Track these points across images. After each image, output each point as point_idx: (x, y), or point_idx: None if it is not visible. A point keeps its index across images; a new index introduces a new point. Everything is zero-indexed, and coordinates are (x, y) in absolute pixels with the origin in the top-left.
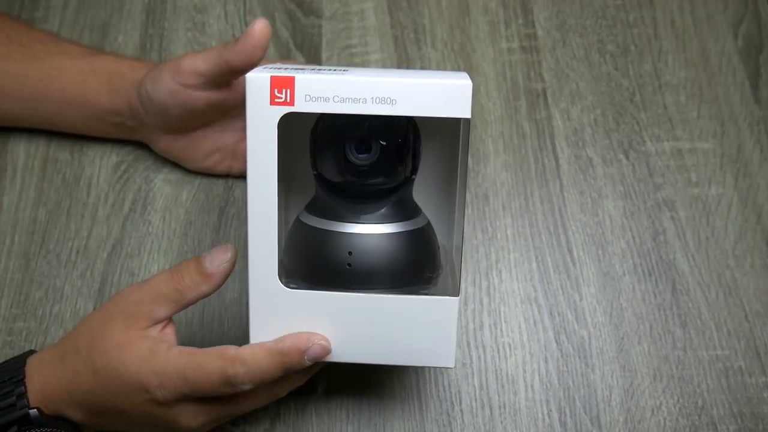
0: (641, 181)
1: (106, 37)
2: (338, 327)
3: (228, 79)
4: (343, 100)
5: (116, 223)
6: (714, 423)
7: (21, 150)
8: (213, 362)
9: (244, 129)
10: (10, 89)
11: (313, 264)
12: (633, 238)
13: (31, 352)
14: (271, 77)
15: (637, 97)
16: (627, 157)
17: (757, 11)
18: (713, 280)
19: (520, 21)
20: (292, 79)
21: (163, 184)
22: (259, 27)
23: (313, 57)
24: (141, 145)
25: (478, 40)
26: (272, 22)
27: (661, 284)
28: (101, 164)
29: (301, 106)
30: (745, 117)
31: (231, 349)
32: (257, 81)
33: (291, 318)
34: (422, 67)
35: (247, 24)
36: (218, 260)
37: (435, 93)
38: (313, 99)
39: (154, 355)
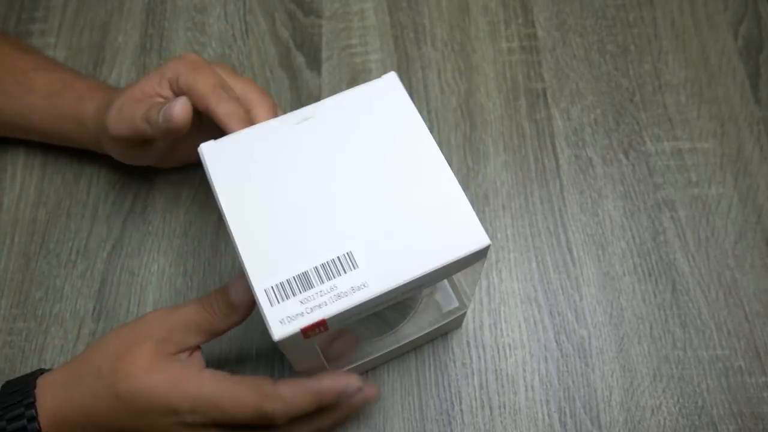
0: (641, 181)
1: (106, 36)
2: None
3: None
4: (370, 309)
5: (116, 222)
6: (714, 423)
7: (21, 150)
8: (250, 396)
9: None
10: None
11: None
12: (633, 238)
13: (41, 371)
14: (303, 330)
15: (637, 97)
16: (627, 157)
17: (757, 11)
18: (713, 280)
19: (520, 21)
20: (324, 322)
21: (163, 183)
22: (178, 113)
23: (313, 57)
24: None
25: (478, 39)
26: (272, 21)
27: (661, 284)
28: (101, 164)
29: (333, 324)
30: (745, 117)
31: (268, 384)
32: (287, 338)
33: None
34: (422, 67)
35: (247, 24)
36: (242, 290)
37: (457, 265)
38: (345, 318)
39: (185, 378)
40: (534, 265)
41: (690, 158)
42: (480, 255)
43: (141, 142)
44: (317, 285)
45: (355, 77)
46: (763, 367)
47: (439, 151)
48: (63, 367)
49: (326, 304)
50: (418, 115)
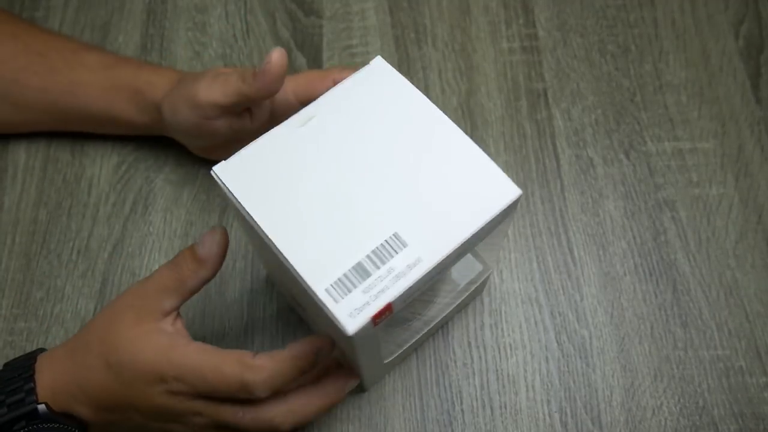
0: (642, 181)
1: (107, 37)
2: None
3: (249, 106)
4: (427, 283)
5: (117, 223)
6: (715, 423)
7: (22, 150)
8: (231, 367)
9: None
10: (35, 103)
11: None
12: (634, 238)
13: (42, 350)
14: (373, 318)
15: (638, 97)
16: (628, 157)
17: (758, 11)
18: (714, 280)
19: (521, 21)
20: (390, 306)
21: (164, 184)
22: (276, 59)
23: (314, 57)
24: (142, 145)
25: (479, 40)
26: (273, 22)
27: (661, 284)
28: (102, 164)
29: (398, 306)
30: (746, 117)
31: (249, 356)
32: (360, 330)
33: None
34: (423, 68)
35: (247, 24)
36: (209, 243)
37: (495, 222)
38: (408, 297)
39: (173, 347)
40: (535, 265)
41: (691, 158)
42: (513, 207)
43: (224, 111)
44: (374, 272)
45: None
46: (764, 368)
47: (447, 118)
48: (61, 344)
49: (388, 288)
50: (415, 88)
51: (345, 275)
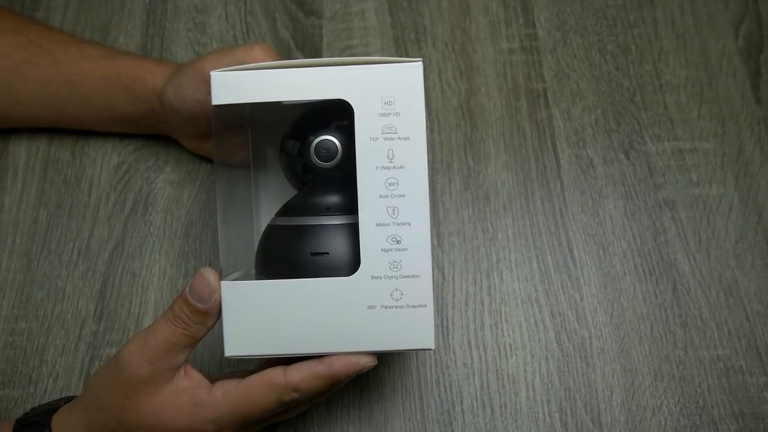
0: (642, 181)
1: (107, 37)
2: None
3: None
4: None
5: (117, 223)
6: (715, 423)
7: (22, 150)
8: (267, 395)
9: None
10: (36, 94)
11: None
12: (634, 238)
13: (46, 422)
14: None
15: (638, 97)
16: (628, 157)
17: (758, 11)
18: (714, 280)
19: (521, 21)
20: None
21: (164, 184)
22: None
23: (314, 57)
24: (142, 145)
25: (479, 40)
26: (273, 22)
27: (661, 284)
28: (102, 164)
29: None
30: (746, 117)
31: (279, 377)
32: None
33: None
34: (423, 68)
35: (247, 24)
36: (206, 295)
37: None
38: None
39: (198, 405)
40: (535, 265)
41: (690, 158)
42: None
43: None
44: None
45: None
46: (764, 367)
47: None
48: (71, 411)
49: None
50: None
51: None
